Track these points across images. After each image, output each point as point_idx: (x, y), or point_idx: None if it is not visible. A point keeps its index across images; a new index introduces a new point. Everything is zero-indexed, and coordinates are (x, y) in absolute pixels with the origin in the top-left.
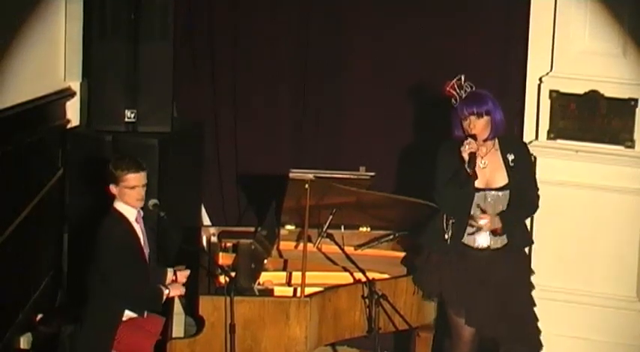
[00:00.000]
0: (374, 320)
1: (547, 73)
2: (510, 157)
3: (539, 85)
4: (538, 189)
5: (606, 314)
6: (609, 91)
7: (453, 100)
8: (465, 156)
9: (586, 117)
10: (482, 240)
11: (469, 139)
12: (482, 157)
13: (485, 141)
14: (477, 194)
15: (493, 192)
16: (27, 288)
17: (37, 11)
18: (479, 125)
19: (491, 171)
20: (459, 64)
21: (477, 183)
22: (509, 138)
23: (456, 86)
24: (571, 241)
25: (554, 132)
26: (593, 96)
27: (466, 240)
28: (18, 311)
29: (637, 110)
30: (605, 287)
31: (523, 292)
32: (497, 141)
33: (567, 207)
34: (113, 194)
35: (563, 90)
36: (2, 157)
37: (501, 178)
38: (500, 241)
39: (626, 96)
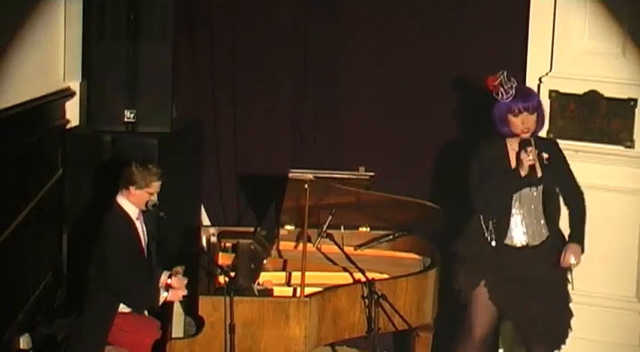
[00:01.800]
0: (373, 320)
1: (546, 73)
2: (545, 156)
3: (538, 85)
4: (580, 188)
5: (606, 314)
6: (609, 91)
7: (498, 95)
8: (523, 172)
9: (585, 117)
10: (519, 237)
11: (531, 148)
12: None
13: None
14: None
15: (527, 190)
16: (26, 288)
17: (36, 12)
18: (531, 121)
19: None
20: (459, 63)
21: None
22: (543, 137)
23: (502, 81)
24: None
25: (554, 133)
26: (592, 96)
27: (505, 238)
28: (17, 311)
29: (636, 110)
30: (605, 288)
31: (560, 292)
32: (532, 139)
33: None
34: (127, 192)
35: (562, 90)
36: (2, 157)
37: (536, 174)
38: (539, 237)
39: (625, 96)
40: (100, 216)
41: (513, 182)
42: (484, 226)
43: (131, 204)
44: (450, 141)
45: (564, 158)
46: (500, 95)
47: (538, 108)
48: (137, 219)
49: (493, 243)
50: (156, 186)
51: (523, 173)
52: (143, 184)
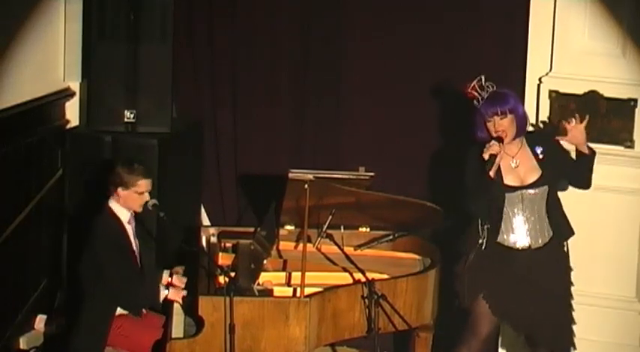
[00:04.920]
0: (373, 320)
1: (546, 73)
2: (539, 150)
3: (538, 85)
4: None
5: (606, 314)
6: (609, 91)
7: (475, 102)
8: (486, 156)
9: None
10: (522, 238)
11: (492, 142)
12: (512, 157)
13: (513, 139)
14: (513, 194)
15: (530, 191)
16: (26, 288)
17: (36, 11)
18: (503, 125)
19: (524, 169)
20: (459, 64)
21: (511, 182)
22: (535, 133)
23: (477, 87)
24: (571, 241)
25: None
26: (592, 96)
27: (506, 241)
28: (17, 311)
29: (636, 110)
30: (605, 288)
31: (562, 294)
32: (524, 138)
33: (567, 207)
34: (116, 195)
35: (562, 90)
36: (2, 157)
37: (535, 173)
38: (542, 239)
39: (625, 96)
40: (91, 219)
41: (487, 185)
42: (480, 231)
43: (122, 207)
44: (450, 141)
45: (560, 147)
46: (476, 101)
47: (513, 112)
48: (128, 222)
49: (483, 247)
50: (143, 184)
51: (488, 171)
52: (129, 184)
